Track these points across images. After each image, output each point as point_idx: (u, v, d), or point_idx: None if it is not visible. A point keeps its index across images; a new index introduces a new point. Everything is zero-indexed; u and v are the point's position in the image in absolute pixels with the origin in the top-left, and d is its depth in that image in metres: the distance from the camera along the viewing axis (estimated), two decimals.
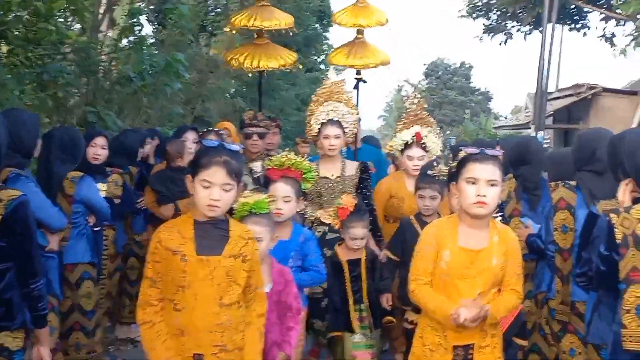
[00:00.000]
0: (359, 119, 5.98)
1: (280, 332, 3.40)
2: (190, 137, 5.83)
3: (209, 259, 2.83)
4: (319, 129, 4.94)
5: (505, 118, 31.14)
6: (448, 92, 44.65)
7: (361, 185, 4.96)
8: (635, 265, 2.77)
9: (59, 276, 4.25)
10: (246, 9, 7.46)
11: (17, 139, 3.76)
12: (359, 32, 6.88)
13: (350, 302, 4.46)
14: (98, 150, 5.14)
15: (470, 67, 46.76)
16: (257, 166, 5.19)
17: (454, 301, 3.03)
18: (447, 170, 4.04)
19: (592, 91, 17.59)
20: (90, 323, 4.69)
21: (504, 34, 21.36)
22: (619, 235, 2.80)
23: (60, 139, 4.48)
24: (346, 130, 4.98)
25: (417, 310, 3.79)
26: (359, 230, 4.37)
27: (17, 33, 7.03)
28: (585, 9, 20.31)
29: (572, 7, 19.81)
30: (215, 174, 2.80)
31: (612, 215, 2.86)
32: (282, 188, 3.95)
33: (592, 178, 3.78)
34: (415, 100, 5.36)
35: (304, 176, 4.20)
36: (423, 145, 5.01)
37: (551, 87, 21.98)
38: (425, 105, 5.41)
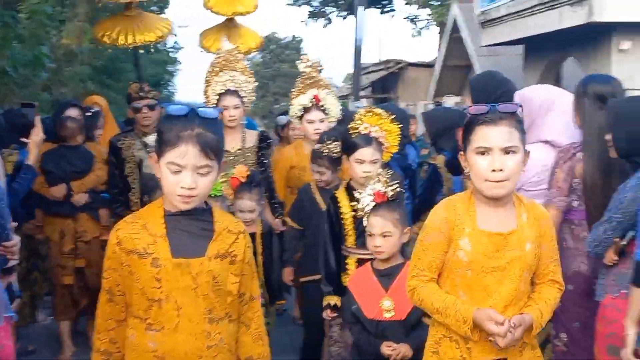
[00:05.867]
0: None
1: None
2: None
3: (189, 262, 2.16)
4: (217, 99, 4.69)
5: (337, 88, 33.92)
6: (281, 64, 46.74)
7: (260, 154, 4.79)
8: None
9: None
10: None
11: None
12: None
13: None
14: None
15: (301, 40, 48.94)
16: (151, 140, 4.66)
17: (478, 302, 2.37)
18: (336, 149, 4.19)
19: (399, 65, 20.26)
20: None
21: (325, 19, 24.14)
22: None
23: None
24: (244, 99, 4.74)
25: (338, 292, 3.51)
26: (246, 203, 4.12)
27: None
28: None
29: None
30: (187, 154, 2.09)
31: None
32: None
33: None
34: (309, 63, 5.05)
35: None
36: (322, 108, 4.84)
37: (375, 60, 25.09)
38: (321, 68, 5.08)
